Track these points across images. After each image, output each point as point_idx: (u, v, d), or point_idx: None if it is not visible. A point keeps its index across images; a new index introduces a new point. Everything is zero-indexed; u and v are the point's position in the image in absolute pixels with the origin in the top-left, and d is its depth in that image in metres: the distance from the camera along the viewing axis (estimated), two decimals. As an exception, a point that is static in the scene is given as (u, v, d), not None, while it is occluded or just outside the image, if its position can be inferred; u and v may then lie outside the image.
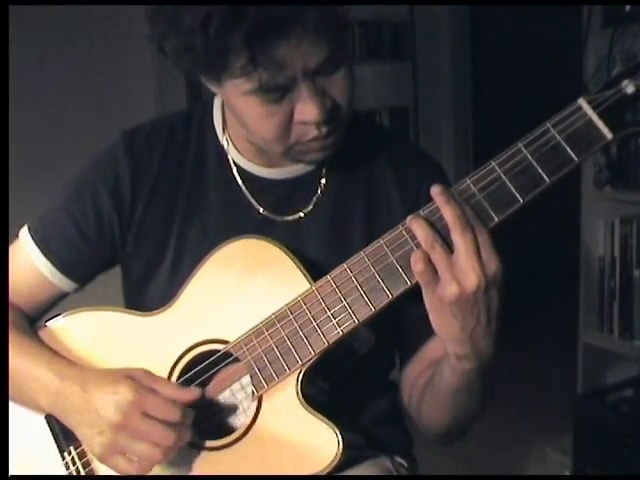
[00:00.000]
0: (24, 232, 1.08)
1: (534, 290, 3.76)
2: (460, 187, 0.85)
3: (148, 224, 1.05)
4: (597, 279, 2.47)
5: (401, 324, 1.04)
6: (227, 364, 0.95)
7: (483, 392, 0.95)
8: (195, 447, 0.95)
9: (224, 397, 0.99)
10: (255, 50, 0.81)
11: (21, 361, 0.99)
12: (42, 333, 1.04)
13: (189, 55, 0.85)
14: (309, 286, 0.91)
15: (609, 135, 0.81)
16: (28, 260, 1.07)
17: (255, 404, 0.93)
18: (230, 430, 0.95)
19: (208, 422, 0.97)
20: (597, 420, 2.26)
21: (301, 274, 0.93)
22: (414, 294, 0.85)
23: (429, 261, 0.83)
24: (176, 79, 2.73)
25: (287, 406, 0.92)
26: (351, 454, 0.96)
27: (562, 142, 0.82)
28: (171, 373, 0.97)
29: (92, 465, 0.99)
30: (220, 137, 1.06)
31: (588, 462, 2.29)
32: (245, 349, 0.93)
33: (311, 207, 1.04)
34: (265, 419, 0.93)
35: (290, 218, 1.04)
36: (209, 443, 0.95)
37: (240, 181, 1.05)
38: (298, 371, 0.91)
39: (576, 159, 0.82)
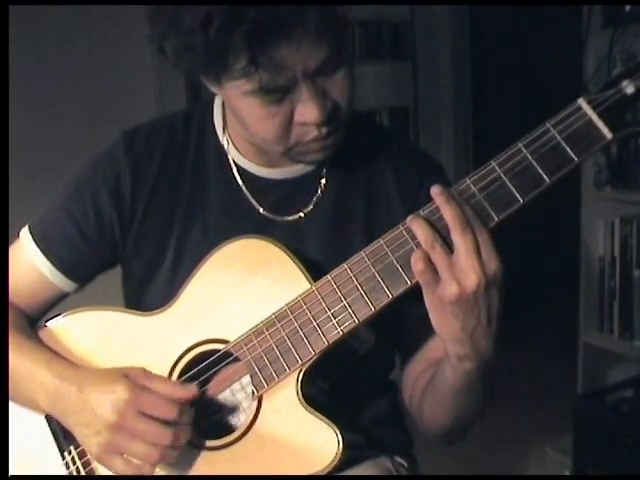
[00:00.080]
0: (25, 232, 1.08)
1: (534, 290, 3.77)
2: (460, 187, 0.85)
3: (148, 224, 1.05)
4: (597, 279, 2.47)
5: (401, 324, 1.04)
6: (227, 364, 0.95)
7: (484, 392, 0.95)
8: (195, 447, 0.95)
9: (224, 397, 0.99)
10: (255, 51, 0.81)
11: (20, 361, 0.99)
12: (42, 333, 1.04)
13: (189, 56, 0.85)
14: (309, 286, 0.91)
15: (609, 135, 0.81)
16: (28, 260, 1.07)
17: (255, 404, 0.93)
18: (230, 430, 0.95)
19: (208, 422, 0.97)
20: (597, 420, 2.26)
21: (301, 274, 0.93)
22: (414, 294, 0.85)
23: (429, 261, 0.83)
24: (176, 79, 2.73)
25: (287, 406, 0.92)
26: (351, 454, 0.96)
27: (562, 142, 0.82)
28: (171, 373, 0.97)
29: (92, 465, 0.99)
30: (220, 137, 1.06)
31: (588, 462, 2.29)
32: (245, 349, 0.93)
33: (311, 207, 1.04)
34: (265, 419, 0.93)
35: (290, 218, 1.04)
36: (209, 443, 0.95)
37: (240, 181, 1.05)
38: (298, 371, 0.91)
39: (576, 159, 0.82)
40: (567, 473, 2.46)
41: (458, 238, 0.82)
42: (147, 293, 1.05)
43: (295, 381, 0.92)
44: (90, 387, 0.92)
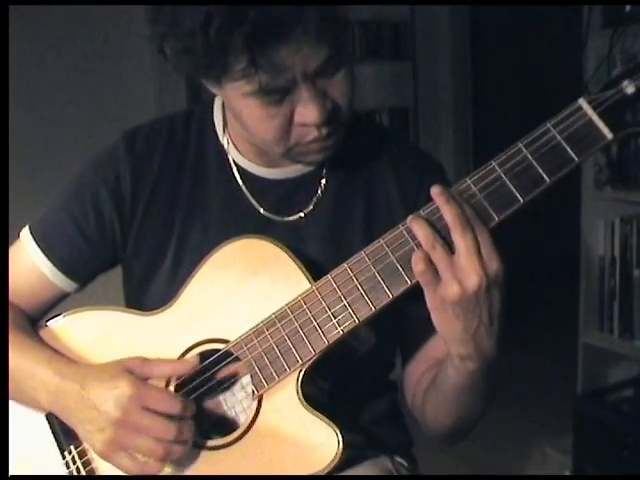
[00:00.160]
0: (25, 232, 1.08)
1: (534, 290, 3.76)
2: (460, 187, 0.85)
3: (149, 224, 1.05)
4: (597, 279, 2.47)
5: (402, 324, 1.04)
6: (227, 363, 0.95)
7: (487, 392, 0.95)
8: (195, 446, 0.95)
9: (224, 396, 0.99)
10: (255, 52, 0.81)
11: (21, 360, 0.99)
12: (43, 333, 1.04)
13: (189, 58, 0.85)
14: (309, 286, 0.91)
15: (609, 135, 0.81)
16: (29, 260, 1.07)
17: (255, 403, 0.93)
18: (230, 429, 0.95)
19: (208, 421, 0.97)
20: (597, 420, 2.26)
21: (301, 274, 0.93)
22: (415, 294, 0.85)
23: (430, 261, 0.83)
24: (176, 79, 2.72)
25: (287, 405, 0.92)
26: (351, 454, 0.96)
27: (562, 142, 0.82)
28: (171, 373, 0.97)
29: (92, 464, 0.99)
30: (220, 137, 1.06)
31: (588, 462, 2.29)
32: (245, 348, 0.93)
33: (311, 207, 1.04)
34: (265, 418, 0.93)
35: (290, 218, 1.04)
36: (209, 442, 0.95)
37: (240, 181, 1.05)
38: (298, 370, 0.91)
39: (576, 159, 0.82)
40: (567, 473, 2.46)
41: (458, 238, 0.82)
42: (147, 293, 1.05)
43: (295, 381, 0.92)
44: (92, 383, 0.93)
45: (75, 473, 0.99)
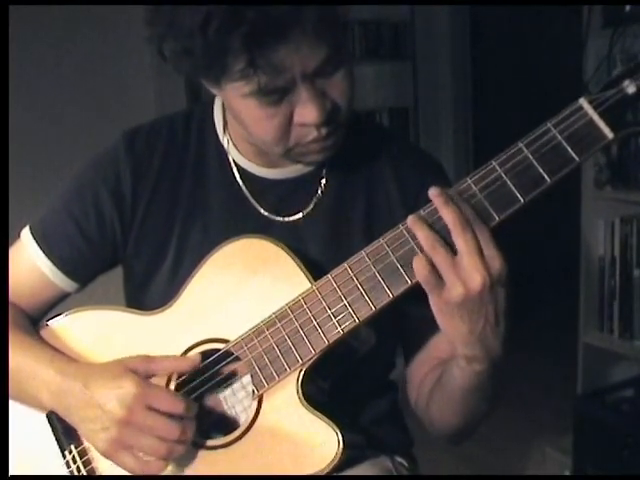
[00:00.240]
0: (26, 232, 1.08)
1: (534, 290, 3.76)
2: (461, 187, 0.85)
3: (149, 224, 1.05)
4: (597, 279, 2.47)
5: (404, 324, 1.04)
6: (228, 363, 0.95)
7: (493, 392, 0.94)
8: (195, 446, 0.95)
9: (225, 396, 0.99)
10: (254, 53, 0.81)
11: (22, 359, 0.99)
12: (43, 333, 1.04)
13: (188, 59, 0.85)
14: (309, 285, 0.91)
15: (610, 135, 0.81)
16: (30, 260, 1.07)
17: (255, 403, 0.93)
18: (230, 429, 0.95)
19: (208, 421, 0.97)
20: (597, 420, 2.26)
21: (302, 273, 0.93)
22: (416, 294, 0.85)
23: (432, 266, 0.82)
24: (176, 79, 2.72)
25: (287, 405, 0.92)
26: (351, 454, 0.96)
27: (563, 142, 0.82)
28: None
29: (92, 464, 0.99)
30: (221, 137, 1.06)
31: (588, 462, 2.29)
32: (245, 348, 0.93)
33: (311, 207, 1.04)
34: (265, 418, 0.93)
35: (290, 218, 1.04)
36: (209, 442, 0.95)
37: (240, 181, 1.05)
38: (298, 370, 0.91)
39: (577, 159, 0.82)
40: (567, 473, 2.46)
41: (459, 239, 0.81)
42: (148, 293, 1.05)
43: (295, 380, 0.92)
44: (95, 383, 0.93)
45: (75, 473, 0.99)
